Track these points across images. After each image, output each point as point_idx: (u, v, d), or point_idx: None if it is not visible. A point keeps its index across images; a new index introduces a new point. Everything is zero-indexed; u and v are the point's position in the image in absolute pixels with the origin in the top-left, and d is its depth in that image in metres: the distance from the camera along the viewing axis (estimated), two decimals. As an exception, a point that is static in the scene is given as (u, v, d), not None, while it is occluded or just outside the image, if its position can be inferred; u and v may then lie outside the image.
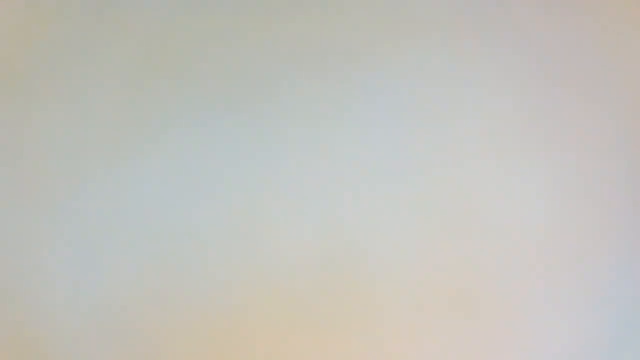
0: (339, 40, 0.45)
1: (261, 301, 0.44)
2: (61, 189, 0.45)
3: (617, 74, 0.45)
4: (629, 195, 0.45)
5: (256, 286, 0.44)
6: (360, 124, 0.45)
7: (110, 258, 0.44)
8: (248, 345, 0.44)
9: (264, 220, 0.44)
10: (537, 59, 0.45)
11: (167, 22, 0.46)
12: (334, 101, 0.45)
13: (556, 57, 0.45)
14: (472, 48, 0.45)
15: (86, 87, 0.45)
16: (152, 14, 0.46)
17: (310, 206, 0.45)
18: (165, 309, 0.44)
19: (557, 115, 0.45)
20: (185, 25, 0.46)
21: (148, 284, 0.44)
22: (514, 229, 0.44)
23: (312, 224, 0.44)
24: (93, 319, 0.44)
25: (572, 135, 0.45)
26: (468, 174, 0.45)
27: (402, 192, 0.45)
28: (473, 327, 0.44)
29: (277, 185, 0.45)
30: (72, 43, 0.45)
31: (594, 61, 0.45)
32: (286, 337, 0.44)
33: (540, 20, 0.45)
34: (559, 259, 0.44)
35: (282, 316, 0.44)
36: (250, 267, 0.44)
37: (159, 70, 0.45)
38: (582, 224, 0.44)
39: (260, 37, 0.45)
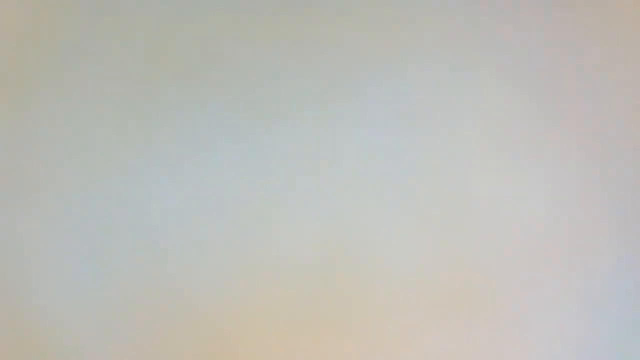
0: (341, 42, 0.45)
1: (262, 301, 0.44)
2: (62, 188, 0.45)
3: (618, 74, 0.45)
4: (629, 194, 0.45)
5: (257, 286, 0.44)
6: (361, 125, 0.45)
7: (111, 258, 0.44)
8: (250, 344, 0.44)
9: (265, 221, 0.45)
10: (537, 60, 0.45)
11: (168, 22, 0.46)
12: (335, 102, 0.45)
13: (556, 57, 0.45)
14: (473, 49, 0.45)
15: (87, 87, 0.45)
16: (153, 13, 0.46)
17: (311, 207, 0.45)
18: (166, 309, 0.44)
19: (558, 115, 0.45)
20: (186, 26, 0.45)
21: (149, 285, 0.44)
22: (514, 229, 0.44)
23: (313, 225, 0.44)
24: (94, 319, 0.44)
25: (572, 135, 0.45)
26: (468, 174, 0.45)
27: (403, 193, 0.45)
28: (473, 326, 0.44)
29: (278, 186, 0.45)
30: (73, 43, 0.45)
31: (594, 61, 0.45)
32: (287, 337, 0.44)
33: (540, 21, 0.45)
34: (559, 259, 0.44)
35: (283, 316, 0.44)
36: (251, 268, 0.44)
37: (161, 70, 0.45)
38: (582, 223, 0.45)
39: (263, 38, 0.45)
